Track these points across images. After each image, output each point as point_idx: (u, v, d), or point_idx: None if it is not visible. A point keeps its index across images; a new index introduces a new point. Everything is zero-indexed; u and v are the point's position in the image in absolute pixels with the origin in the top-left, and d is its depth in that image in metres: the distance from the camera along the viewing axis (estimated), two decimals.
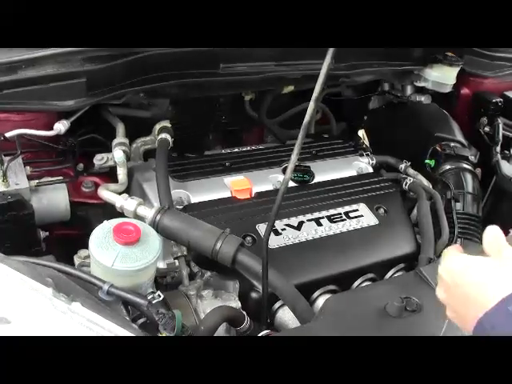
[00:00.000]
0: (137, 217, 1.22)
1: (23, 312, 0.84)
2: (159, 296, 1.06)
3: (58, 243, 1.35)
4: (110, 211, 1.33)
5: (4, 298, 0.88)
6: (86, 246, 1.22)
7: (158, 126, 1.49)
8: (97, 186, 1.39)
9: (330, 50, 0.94)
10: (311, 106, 0.95)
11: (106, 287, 0.99)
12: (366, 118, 2.01)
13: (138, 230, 1.07)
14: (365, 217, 1.46)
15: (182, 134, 1.59)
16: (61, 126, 1.31)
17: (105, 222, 1.11)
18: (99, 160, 1.38)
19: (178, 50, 1.38)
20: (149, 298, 1.04)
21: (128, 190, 1.40)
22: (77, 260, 1.23)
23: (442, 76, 1.73)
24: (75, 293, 0.94)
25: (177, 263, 1.30)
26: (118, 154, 1.33)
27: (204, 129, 1.80)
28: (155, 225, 1.18)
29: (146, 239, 1.08)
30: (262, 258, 1.09)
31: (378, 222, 1.46)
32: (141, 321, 1.06)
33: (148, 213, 1.21)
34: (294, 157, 1.00)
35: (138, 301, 1.01)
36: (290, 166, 1.01)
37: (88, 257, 1.21)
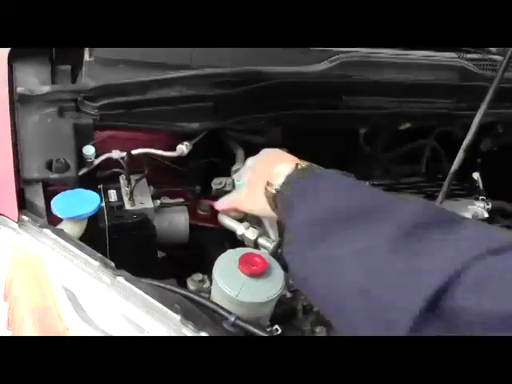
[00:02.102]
0: (256, 246, 1.21)
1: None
2: (277, 330, 1.05)
3: (171, 264, 1.35)
4: (225, 236, 1.33)
5: (131, 323, 0.88)
6: (198, 269, 1.22)
7: None
8: (213, 209, 1.38)
9: (487, 99, 0.90)
10: (460, 154, 0.91)
11: (232, 319, 0.97)
12: (479, 160, 1.94)
13: (264, 262, 1.06)
14: None
15: None
16: (183, 148, 1.31)
17: (229, 250, 1.10)
18: (217, 184, 1.37)
19: (302, 79, 1.38)
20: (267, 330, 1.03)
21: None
22: (190, 284, 1.22)
23: None
24: (202, 322, 0.93)
25: (288, 295, 1.27)
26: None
27: (312, 157, 1.78)
28: (276, 257, 1.16)
29: (271, 272, 1.07)
30: None
31: None
32: None
33: (269, 244, 1.19)
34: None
35: (262, 335, 0.99)
36: None
37: (202, 281, 1.20)
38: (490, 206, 1.65)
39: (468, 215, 1.60)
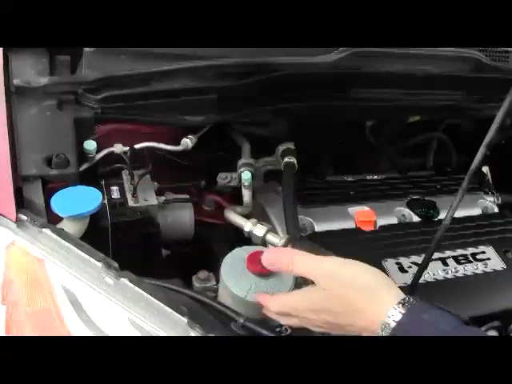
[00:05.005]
0: (264, 243, 1.17)
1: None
2: (286, 330, 1.01)
3: (176, 262, 1.31)
4: (230, 232, 1.29)
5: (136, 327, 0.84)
6: (204, 266, 1.18)
7: (281, 148, 1.43)
8: (218, 205, 1.34)
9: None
10: (481, 151, 0.87)
11: (241, 321, 0.94)
12: (488, 153, 1.89)
13: None
14: (492, 260, 1.36)
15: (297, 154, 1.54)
16: (188, 142, 1.27)
17: (237, 248, 1.06)
18: (223, 179, 1.33)
19: (309, 71, 1.34)
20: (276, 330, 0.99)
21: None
22: (196, 282, 1.18)
23: None
24: (209, 324, 0.89)
25: None
26: (246, 176, 1.28)
27: (319, 150, 1.74)
28: None
29: None
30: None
31: (505, 267, 1.36)
32: None
33: (278, 240, 1.15)
34: (455, 203, 0.92)
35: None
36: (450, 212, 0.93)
37: (207, 279, 1.16)
38: (499, 201, 1.62)
39: (477, 210, 1.56)
